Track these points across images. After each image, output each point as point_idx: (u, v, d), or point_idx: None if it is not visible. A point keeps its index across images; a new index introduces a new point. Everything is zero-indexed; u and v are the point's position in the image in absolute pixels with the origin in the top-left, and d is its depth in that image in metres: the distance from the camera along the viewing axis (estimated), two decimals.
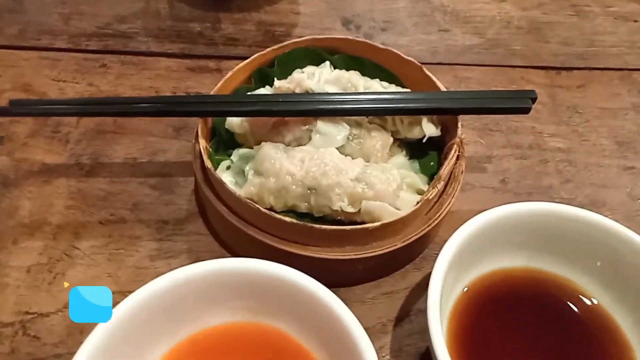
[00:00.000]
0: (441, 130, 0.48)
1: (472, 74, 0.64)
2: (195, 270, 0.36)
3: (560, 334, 0.40)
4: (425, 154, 0.49)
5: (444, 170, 0.43)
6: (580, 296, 0.41)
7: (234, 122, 0.47)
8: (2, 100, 0.56)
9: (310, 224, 0.39)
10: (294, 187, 0.43)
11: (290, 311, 0.37)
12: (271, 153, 0.44)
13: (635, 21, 0.72)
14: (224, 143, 0.49)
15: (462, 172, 0.46)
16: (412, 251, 0.44)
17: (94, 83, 0.60)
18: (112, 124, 0.55)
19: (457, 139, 0.44)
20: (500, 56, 0.66)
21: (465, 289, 0.41)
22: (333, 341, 0.35)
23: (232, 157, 0.47)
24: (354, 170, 0.43)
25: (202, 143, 0.43)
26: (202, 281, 0.36)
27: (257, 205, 0.40)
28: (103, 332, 0.33)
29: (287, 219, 0.39)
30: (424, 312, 0.36)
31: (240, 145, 0.49)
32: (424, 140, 0.47)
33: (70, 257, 0.46)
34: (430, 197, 0.41)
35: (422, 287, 0.45)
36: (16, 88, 0.58)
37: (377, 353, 0.34)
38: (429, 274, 0.36)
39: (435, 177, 0.44)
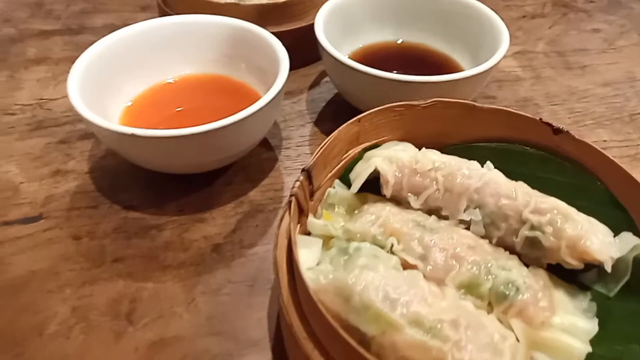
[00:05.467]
0: None
1: None
2: (163, 21, 0.53)
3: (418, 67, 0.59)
4: None
5: None
6: (431, 50, 0.61)
7: None
8: None
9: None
10: None
11: (236, 56, 0.54)
12: None
13: None
14: None
15: None
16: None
17: None
18: (92, 8, 0.74)
19: None
20: None
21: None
22: (264, 67, 0.51)
23: None
24: None
25: None
26: (168, 30, 0.53)
27: None
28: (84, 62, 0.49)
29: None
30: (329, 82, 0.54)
31: None
32: None
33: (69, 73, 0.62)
34: None
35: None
36: None
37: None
38: None
39: None
